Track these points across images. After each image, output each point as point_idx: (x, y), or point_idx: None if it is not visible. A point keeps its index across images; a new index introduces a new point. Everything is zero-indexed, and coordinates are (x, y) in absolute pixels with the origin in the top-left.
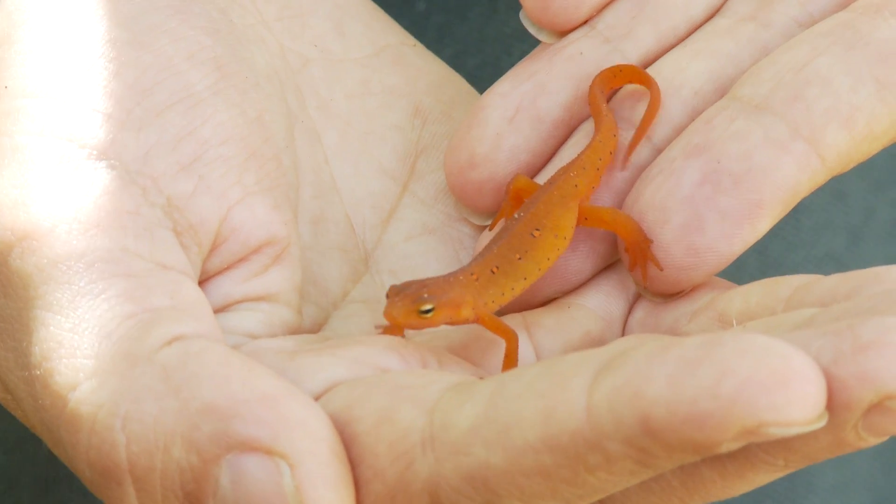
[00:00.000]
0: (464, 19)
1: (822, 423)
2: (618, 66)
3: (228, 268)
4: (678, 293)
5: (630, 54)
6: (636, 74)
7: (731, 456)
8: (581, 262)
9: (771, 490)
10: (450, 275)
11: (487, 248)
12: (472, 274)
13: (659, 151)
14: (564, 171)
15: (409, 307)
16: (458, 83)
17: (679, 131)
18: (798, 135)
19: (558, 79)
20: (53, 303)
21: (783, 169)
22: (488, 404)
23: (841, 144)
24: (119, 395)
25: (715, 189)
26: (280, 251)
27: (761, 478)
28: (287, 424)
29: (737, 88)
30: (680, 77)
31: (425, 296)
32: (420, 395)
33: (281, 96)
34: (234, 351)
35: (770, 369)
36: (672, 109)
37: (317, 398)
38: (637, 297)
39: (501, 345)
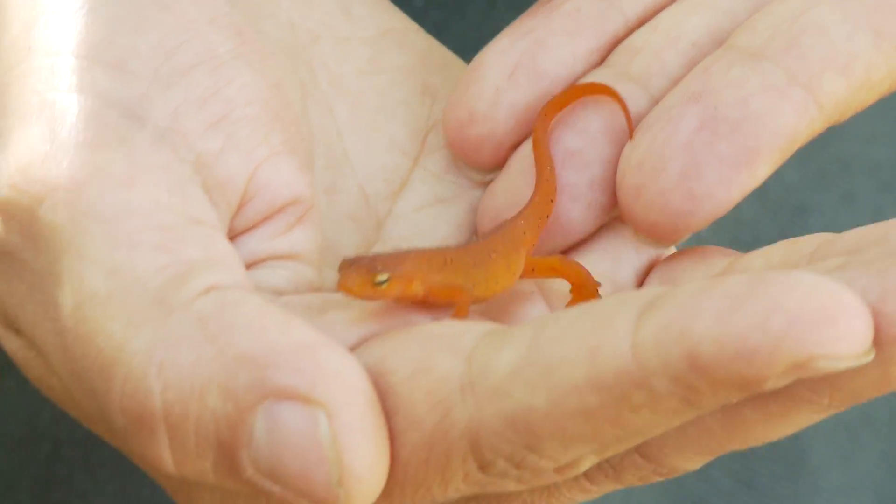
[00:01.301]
0: (462, 16)
1: (870, 358)
2: (561, 92)
3: (254, 226)
4: (676, 239)
5: (628, 11)
6: (587, 89)
7: (775, 395)
8: (583, 212)
9: (776, 492)
10: (403, 251)
11: (448, 246)
12: (424, 255)
13: (656, 101)
14: (513, 219)
15: (365, 277)
16: (462, 67)
17: (676, 82)
18: (795, 81)
19: (557, 35)
20: (87, 255)
21: (781, 115)
22: (530, 347)
23: (838, 92)
24: (154, 343)
25: (713, 135)
26: (303, 212)
27: (804, 418)
28: (324, 374)
29: (733, 38)
30: (678, 30)
31: (380, 267)
32: (456, 344)
33: (294, 68)
34: (270, 302)
35: (819, 305)
36: (670, 61)
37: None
38: (650, 266)
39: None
